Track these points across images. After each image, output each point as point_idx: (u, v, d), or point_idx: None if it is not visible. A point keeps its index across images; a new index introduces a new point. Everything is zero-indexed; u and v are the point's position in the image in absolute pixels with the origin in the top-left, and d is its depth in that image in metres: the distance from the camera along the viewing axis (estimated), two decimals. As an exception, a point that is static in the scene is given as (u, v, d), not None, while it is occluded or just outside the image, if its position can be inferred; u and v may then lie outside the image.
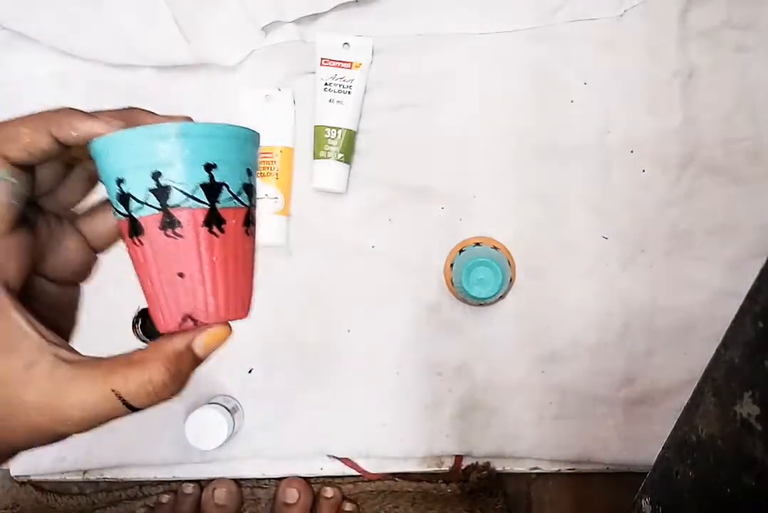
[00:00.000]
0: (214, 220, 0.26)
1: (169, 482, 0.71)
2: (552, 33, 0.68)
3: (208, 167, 0.26)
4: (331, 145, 0.67)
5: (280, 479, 0.70)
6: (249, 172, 0.28)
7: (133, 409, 0.26)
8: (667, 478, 0.41)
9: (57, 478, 0.71)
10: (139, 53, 0.67)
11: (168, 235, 0.26)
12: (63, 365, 0.25)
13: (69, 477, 0.70)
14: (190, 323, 0.27)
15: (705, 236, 0.67)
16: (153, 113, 0.28)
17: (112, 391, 0.25)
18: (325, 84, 0.68)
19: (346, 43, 0.68)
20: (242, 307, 0.28)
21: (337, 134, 0.67)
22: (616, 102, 0.68)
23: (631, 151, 0.68)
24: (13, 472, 0.70)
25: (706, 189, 0.68)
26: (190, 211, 0.26)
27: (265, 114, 0.69)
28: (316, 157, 0.67)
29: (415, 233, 0.69)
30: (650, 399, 0.67)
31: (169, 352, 0.26)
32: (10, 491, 0.71)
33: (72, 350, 0.27)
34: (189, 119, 0.28)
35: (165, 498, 0.70)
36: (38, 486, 0.71)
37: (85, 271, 0.31)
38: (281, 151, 0.68)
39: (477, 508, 0.68)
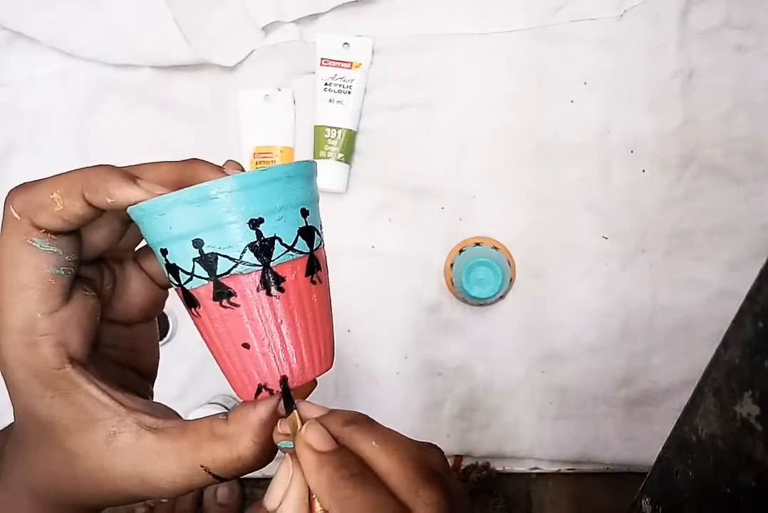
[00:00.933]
0: (270, 281, 0.24)
1: (169, 482, 0.71)
2: (552, 33, 0.68)
3: (253, 223, 0.23)
4: (331, 145, 0.67)
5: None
6: (304, 213, 0.25)
7: (222, 480, 0.25)
8: (667, 478, 0.41)
9: None
10: (139, 53, 0.67)
11: (223, 306, 0.24)
12: (147, 435, 0.24)
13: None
14: (266, 393, 0.25)
15: (705, 236, 0.67)
16: (215, 166, 0.26)
17: (202, 466, 0.24)
18: (325, 84, 0.68)
19: (346, 43, 0.68)
20: (324, 361, 0.26)
21: (337, 134, 0.67)
22: (616, 102, 0.68)
23: (631, 151, 0.68)
24: (13, 472, 0.70)
25: (706, 189, 0.68)
26: (241, 277, 0.23)
27: (265, 114, 0.69)
28: (316, 157, 0.67)
29: (415, 233, 0.69)
30: (650, 399, 0.67)
31: (255, 424, 0.25)
32: (10, 491, 0.71)
33: (155, 414, 0.25)
34: (239, 165, 0.26)
35: (165, 499, 0.70)
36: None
37: (153, 307, 0.29)
38: (281, 151, 0.68)
39: (477, 508, 0.68)
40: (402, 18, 0.69)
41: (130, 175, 0.24)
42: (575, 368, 0.67)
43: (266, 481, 0.72)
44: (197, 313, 0.24)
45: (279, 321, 0.24)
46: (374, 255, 0.69)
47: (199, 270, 0.23)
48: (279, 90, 0.69)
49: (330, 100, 0.67)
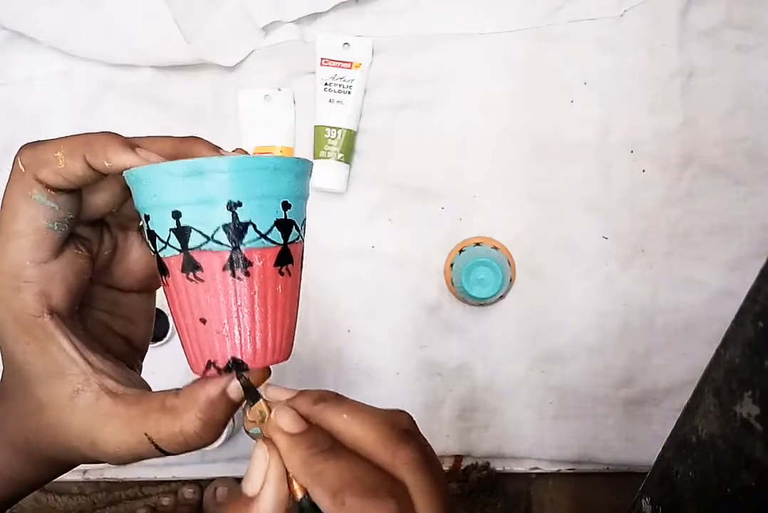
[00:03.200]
0: (237, 263, 0.24)
1: (169, 482, 0.71)
2: (552, 33, 0.68)
3: (231, 206, 0.24)
4: (331, 145, 0.67)
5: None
6: (286, 205, 0.25)
7: (167, 454, 0.26)
8: (667, 478, 0.41)
9: (57, 478, 0.71)
10: (139, 53, 0.67)
11: (189, 279, 0.25)
12: (105, 398, 0.25)
13: (69, 477, 0.70)
14: (214, 371, 0.25)
15: (705, 236, 0.67)
16: (213, 146, 0.27)
17: (146, 435, 0.25)
18: (325, 84, 0.68)
19: (346, 43, 0.68)
20: (278, 352, 0.26)
21: (337, 134, 0.67)
22: (616, 102, 0.68)
23: (631, 151, 0.68)
24: (13, 472, 0.70)
25: (706, 189, 0.68)
26: (210, 254, 0.24)
27: (265, 114, 0.69)
28: (316, 157, 0.67)
29: (415, 233, 0.69)
30: (650, 399, 0.67)
31: (203, 400, 0.25)
32: (10, 491, 0.71)
33: (120, 379, 0.26)
34: (245, 152, 0.27)
35: (166, 500, 0.70)
36: (38, 486, 0.71)
37: (151, 278, 0.30)
38: (281, 151, 0.68)
39: (477, 508, 0.68)
40: (402, 18, 0.69)
41: (130, 143, 0.26)
42: (575, 368, 0.67)
43: (266, 481, 0.72)
44: (167, 282, 0.25)
45: (238, 303, 0.24)
46: (374, 255, 0.69)
47: (174, 240, 0.24)
48: (279, 90, 0.69)
49: (330, 100, 0.67)
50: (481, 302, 0.65)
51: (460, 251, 0.66)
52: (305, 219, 0.27)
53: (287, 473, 0.24)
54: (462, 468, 0.69)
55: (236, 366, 0.25)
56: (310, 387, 0.73)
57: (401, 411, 0.27)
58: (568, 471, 0.69)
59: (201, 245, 0.24)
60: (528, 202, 0.68)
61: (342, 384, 0.68)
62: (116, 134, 0.26)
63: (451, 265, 0.67)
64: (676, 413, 0.41)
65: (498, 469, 0.69)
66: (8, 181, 0.25)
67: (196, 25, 0.66)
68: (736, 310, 0.34)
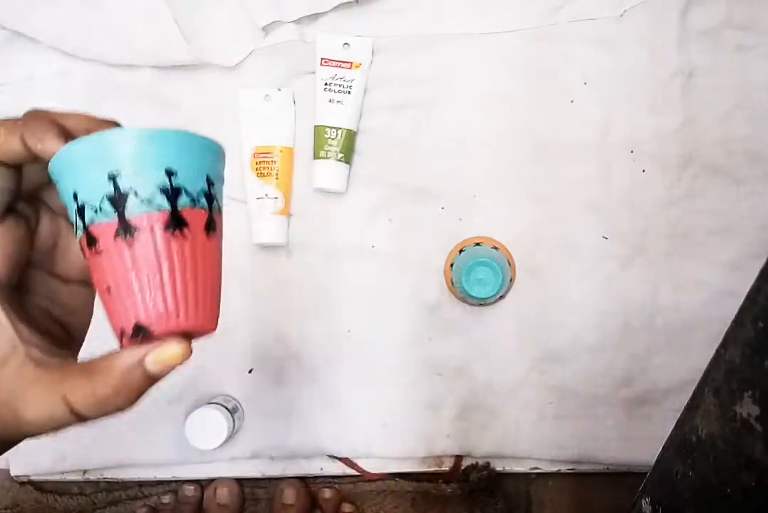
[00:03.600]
0: (121, 231, 0.25)
1: (169, 482, 0.71)
2: (552, 33, 0.68)
3: (110, 176, 0.25)
4: (331, 145, 0.67)
5: (280, 479, 0.70)
6: (209, 181, 0.27)
7: (83, 419, 0.26)
8: (667, 478, 0.41)
9: (57, 478, 0.71)
10: (139, 53, 0.67)
11: (93, 253, 0.26)
12: (29, 365, 0.26)
13: (69, 477, 0.70)
14: (128, 339, 0.26)
15: (705, 236, 0.67)
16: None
17: (63, 397, 0.25)
18: (325, 84, 0.68)
19: (346, 43, 0.68)
20: (206, 317, 0.27)
21: (337, 134, 0.67)
22: (616, 102, 0.68)
23: (631, 151, 0.68)
24: (13, 472, 0.70)
25: (706, 189, 0.68)
26: (101, 226, 0.25)
27: (265, 114, 0.69)
28: (316, 157, 0.67)
29: (415, 233, 0.69)
30: (650, 399, 0.67)
31: (117, 366, 0.26)
32: (10, 491, 0.71)
33: (46, 351, 0.27)
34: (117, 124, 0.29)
35: (166, 499, 0.70)
36: (38, 486, 0.71)
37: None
38: (281, 151, 0.68)
39: (477, 508, 0.68)
40: (402, 18, 0.69)
41: (65, 132, 0.27)
42: (575, 368, 0.67)
43: (266, 481, 0.72)
44: (97, 251, 0.26)
45: (132, 268, 0.25)
46: (374, 255, 0.69)
47: (78, 221, 0.26)
48: (279, 90, 0.69)
49: (330, 100, 0.67)
50: (481, 302, 0.65)
51: (460, 251, 0.66)
52: (207, 190, 0.27)
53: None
54: (462, 468, 0.69)
55: (140, 331, 0.26)
56: (311, 388, 0.73)
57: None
58: (568, 471, 0.69)
59: (93, 219, 0.26)
60: (528, 202, 0.68)
61: (342, 384, 0.68)
62: (54, 122, 0.27)
63: (451, 265, 0.67)
64: (676, 413, 0.41)
65: (498, 469, 0.69)
66: None
67: (196, 25, 0.66)
68: (736, 310, 0.34)
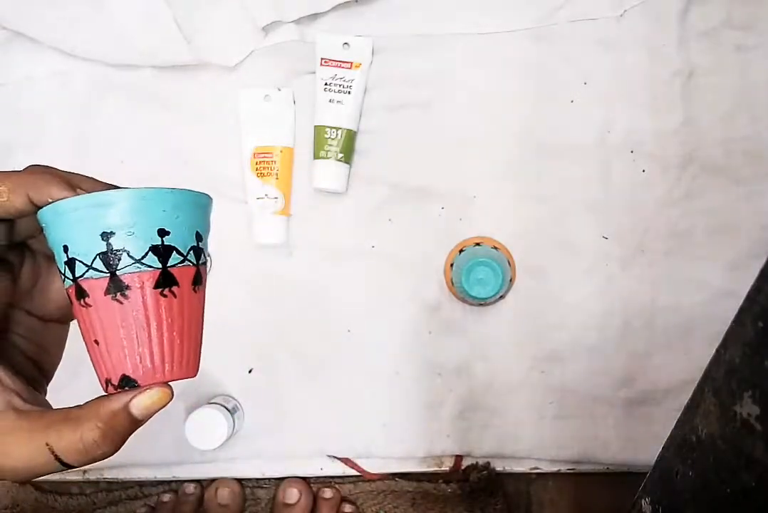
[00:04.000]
0: (113, 288, 0.26)
1: (169, 482, 0.71)
2: (552, 33, 0.68)
3: (104, 236, 0.26)
4: (331, 145, 0.67)
5: (280, 479, 0.70)
6: (198, 236, 0.28)
7: (66, 466, 0.26)
8: (667, 478, 0.41)
9: (57, 478, 0.71)
10: (139, 53, 0.67)
11: (81, 305, 0.27)
12: (10, 414, 0.26)
13: (69, 477, 0.70)
14: (112, 388, 0.27)
15: (705, 236, 0.67)
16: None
17: (47, 445, 0.26)
18: (325, 84, 0.68)
19: (346, 43, 0.68)
20: (190, 367, 0.28)
21: (337, 134, 0.67)
22: (616, 102, 0.68)
23: (631, 151, 0.68)
24: (13, 472, 0.70)
25: (706, 189, 0.68)
26: (92, 281, 0.26)
27: (265, 114, 0.69)
28: (316, 157, 0.67)
29: (415, 233, 0.69)
30: (650, 399, 0.67)
31: (104, 412, 0.26)
32: (10, 491, 0.71)
33: (27, 398, 0.27)
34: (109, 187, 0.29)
35: (166, 497, 0.70)
36: (38, 486, 0.72)
37: (70, 310, 0.31)
38: (281, 151, 0.68)
39: (477, 508, 0.68)
40: (402, 18, 0.69)
41: (70, 182, 0.27)
42: (575, 368, 0.67)
43: (266, 481, 0.72)
44: (86, 303, 0.27)
45: (122, 324, 0.26)
46: (374, 255, 0.69)
47: (68, 272, 0.27)
48: (279, 90, 0.69)
49: (330, 100, 0.67)
50: (481, 302, 0.65)
51: (460, 251, 0.66)
52: (196, 245, 0.28)
53: None
54: (462, 468, 0.69)
55: (127, 383, 0.27)
56: (311, 388, 0.73)
57: None
58: (568, 471, 0.69)
59: (83, 274, 0.26)
60: (528, 202, 0.68)
61: (342, 384, 0.68)
62: (56, 172, 0.27)
63: (451, 265, 0.67)
64: (676, 413, 0.41)
65: (498, 469, 0.69)
66: None
67: (196, 25, 0.66)
68: (736, 310, 0.34)
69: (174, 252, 0.27)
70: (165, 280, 0.27)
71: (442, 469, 0.69)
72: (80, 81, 0.70)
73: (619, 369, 0.67)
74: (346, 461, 0.69)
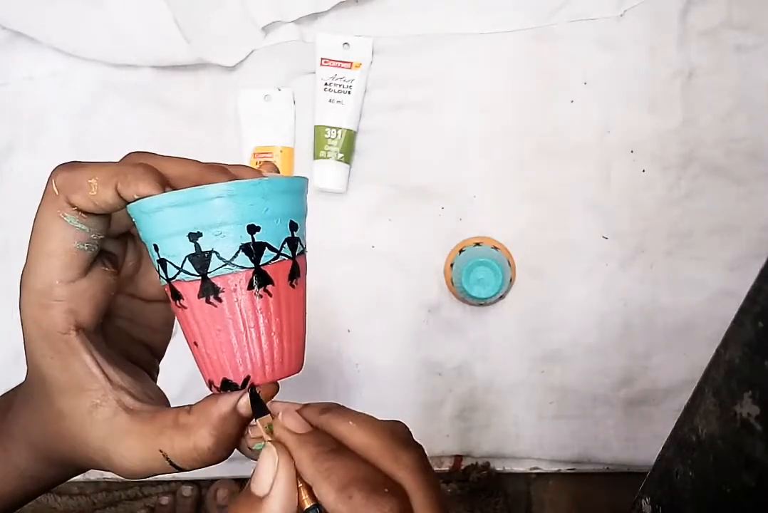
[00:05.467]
0: (209, 291, 0.25)
1: (168, 482, 0.71)
2: (552, 33, 0.68)
3: (192, 237, 0.24)
4: (331, 145, 0.67)
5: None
6: (293, 226, 0.26)
7: (181, 470, 0.26)
8: (667, 478, 0.41)
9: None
10: (139, 53, 0.67)
11: (177, 306, 0.26)
12: (122, 414, 0.26)
13: (69, 477, 0.70)
14: (231, 389, 0.26)
15: (705, 236, 0.67)
16: (254, 170, 0.27)
17: (160, 451, 0.26)
18: (325, 84, 0.68)
19: (346, 43, 0.68)
20: (292, 365, 0.27)
21: (337, 134, 0.67)
22: (616, 102, 0.68)
23: (631, 151, 0.68)
24: (13, 472, 0.70)
25: (706, 189, 0.68)
26: (184, 284, 0.25)
27: (265, 114, 0.68)
28: (316, 157, 0.67)
29: (415, 233, 0.69)
30: (650, 399, 0.67)
31: (215, 418, 0.26)
32: (10, 491, 0.71)
33: (137, 394, 0.27)
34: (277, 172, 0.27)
35: (165, 500, 0.70)
36: (38, 486, 0.71)
37: None
38: (281, 151, 0.68)
39: (477, 508, 0.68)
40: (402, 18, 0.69)
41: (162, 179, 0.25)
42: (575, 368, 0.67)
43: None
44: (182, 305, 0.26)
45: (218, 327, 0.25)
46: (374, 255, 0.69)
47: (161, 272, 0.26)
48: (279, 90, 0.69)
49: (330, 100, 0.67)
50: (481, 302, 0.65)
51: (460, 251, 0.66)
52: (290, 236, 0.26)
53: (297, 482, 0.25)
54: (462, 468, 0.69)
55: (228, 386, 0.26)
56: (310, 387, 0.73)
57: (398, 421, 0.29)
58: (568, 471, 0.69)
59: (175, 276, 0.25)
60: (528, 202, 0.68)
61: (342, 384, 0.68)
62: (151, 168, 0.25)
63: (451, 265, 0.67)
64: (676, 413, 0.41)
65: (498, 469, 0.69)
66: (41, 201, 0.26)
67: (196, 25, 0.66)
68: (736, 310, 0.34)
69: (266, 248, 0.25)
70: (259, 280, 0.25)
71: (442, 469, 0.69)
72: (80, 81, 0.70)
73: (619, 369, 0.67)
74: None
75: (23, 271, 0.26)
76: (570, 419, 0.68)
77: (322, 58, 0.68)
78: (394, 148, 0.69)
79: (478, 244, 0.67)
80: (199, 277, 0.25)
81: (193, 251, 0.24)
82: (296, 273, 0.26)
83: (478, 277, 0.62)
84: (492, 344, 0.68)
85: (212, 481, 0.71)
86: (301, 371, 0.27)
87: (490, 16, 0.69)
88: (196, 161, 0.27)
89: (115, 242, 0.29)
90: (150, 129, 0.70)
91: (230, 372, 0.26)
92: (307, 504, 0.25)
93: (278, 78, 0.69)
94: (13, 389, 0.31)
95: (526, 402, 0.68)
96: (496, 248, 0.66)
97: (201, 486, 0.71)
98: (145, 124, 0.70)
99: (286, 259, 0.26)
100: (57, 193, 0.25)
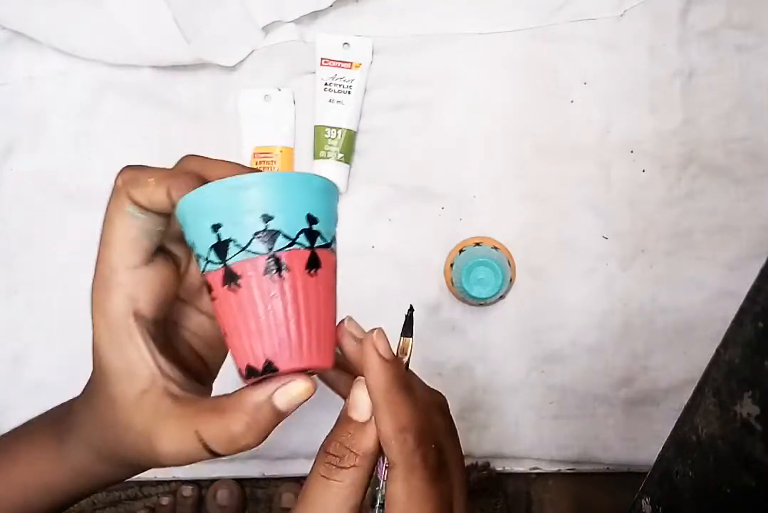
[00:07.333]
0: (272, 266, 0.26)
1: (169, 482, 0.71)
2: (552, 33, 0.68)
3: (214, 227, 0.26)
4: (331, 145, 0.67)
5: (280, 479, 0.70)
6: (311, 219, 0.27)
7: (215, 454, 0.27)
8: (667, 478, 0.41)
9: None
10: (139, 53, 0.67)
11: (230, 289, 0.27)
12: (167, 399, 0.27)
13: (69, 477, 0.70)
14: (252, 378, 0.27)
15: (705, 236, 0.67)
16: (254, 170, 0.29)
17: (195, 432, 0.26)
18: (325, 84, 0.68)
19: (346, 43, 0.68)
20: (317, 355, 0.27)
21: (337, 134, 0.67)
22: (616, 102, 0.68)
23: (631, 151, 0.68)
24: (13, 472, 0.70)
25: (706, 189, 0.68)
26: (210, 274, 0.27)
27: (265, 114, 0.68)
28: (316, 157, 0.67)
29: (415, 233, 0.69)
30: (650, 399, 0.67)
31: (249, 404, 0.27)
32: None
33: (183, 385, 0.28)
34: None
35: (165, 500, 0.70)
36: (38, 486, 0.71)
37: None
38: (281, 151, 0.68)
39: (477, 508, 0.68)
40: (402, 18, 0.69)
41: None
42: (575, 368, 0.67)
43: (266, 481, 0.72)
44: (212, 297, 0.28)
45: (237, 314, 0.27)
46: (374, 255, 0.69)
47: (213, 256, 0.27)
48: (279, 90, 0.69)
49: (330, 100, 0.68)
50: (481, 302, 0.65)
51: (460, 251, 0.66)
52: (308, 227, 0.27)
53: None
54: (462, 468, 0.69)
55: (252, 372, 0.27)
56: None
57: (440, 392, 0.31)
58: (568, 471, 0.69)
59: (205, 267, 0.27)
60: (528, 202, 0.68)
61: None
62: (195, 177, 0.28)
63: (451, 265, 0.67)
64: (676, 413, 0.41)
65: (498, 469, 0.69)
66: (110, 196, 0.28)
67: (196, 25, 0.66)
68: (736, 310, 0.34)
69: (280, 236, 0.26)
70: (273, 265, 0.26)
71: (442, 469, 0.69)
72: (80, 81, 0.70)
73: (619, 369, 0.67)
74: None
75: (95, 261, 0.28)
76: (570, 419, 0.68)
77: (322, 58, 0.68)
78: (394, 148, 0.69)
79: (478, 244, 0.67)
80: (222, 265, 0.26)
81: (216, 241, 0.26)
82: (315, 263, 0.27)
83: (478, 277, 0.62)
84: (492, 344, 0.68)
85: (212, 481, 0.71)
86: (330, 367, 0.29)
87: (490, 16, 0.69)
88: (241, 165, 0.29)
89: (178, 245, 0.31)
90: (150, 129, 0.70)
91: (251, 358, 0.27)
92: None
93: (278, 78, 0.69)
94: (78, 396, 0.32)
95: (526, 402, 0.68)
96: (496, 248, 0.66)
97: (201, 486, 0.71)
98: (145, 124, 0.70)
99: (302, 248, 0.27)
100: (121, 187, 0.28)
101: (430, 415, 0.27)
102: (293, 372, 0.27)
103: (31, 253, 0.69)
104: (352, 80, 0.68)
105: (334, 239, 0.29)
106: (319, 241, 0.28)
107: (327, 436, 0.28)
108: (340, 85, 0.67)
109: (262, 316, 0.26)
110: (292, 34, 0.68)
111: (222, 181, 0.26)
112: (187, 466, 0.74)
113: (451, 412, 0.29)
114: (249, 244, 0.26)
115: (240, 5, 0.67)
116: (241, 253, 0.26)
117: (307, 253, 0.27)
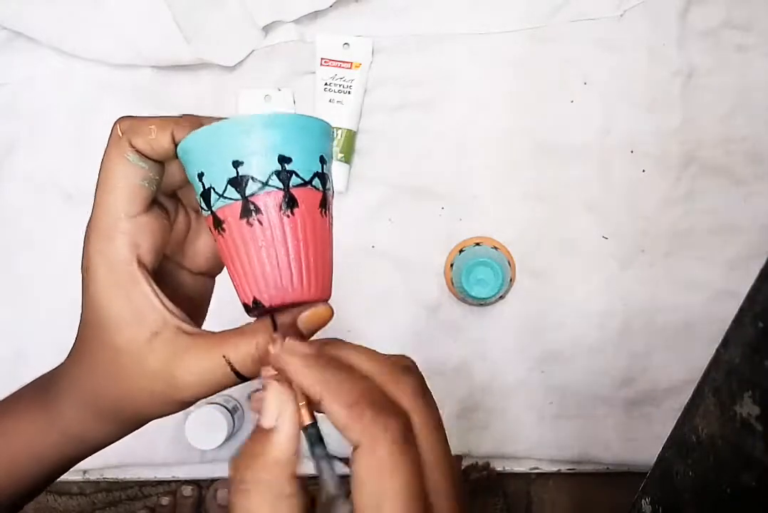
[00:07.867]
0: (288, 202, 0.27)
1: (169, 482, 0.71)
2: (552, 33, 0.68)
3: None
4: (331, 145, 0.67)
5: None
6: (322, 160, 0.28)
7: (241, 377, 0.28)
8: (667, 478, 0.41)
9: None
10: (139, 53, 0.67)
11: (218, 232, 0.28)
12: (183, 336, 0.28)
13: (69, 477, 0.70)
14: (259, 309, 0.28)
15: (705, 236, 0.67)
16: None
17: (223, 357, 0.27)
18: (325, 84, 0.68)
19: (346, 43, 0.68)
20: (321, 288, 0.29)
21: (337, 134, 0.67)
22: (616, 102, 0.68)
23: (631, 151, 0.68)
24: (13, 472, 0.70)
25: (706, 189, 0.68)
26: (226, 208, 0.27)
27: (265, 114, 0.68)
28: (316, 157, 0.67)
29: (415, 233, 0.69)
30: (650, 399, 0.67)
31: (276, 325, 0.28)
32: (10, 491, 0.71)
33: (192, 324, 0.29)
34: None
35: (165, 500, 0.70)
36: (38, 486, 0.71)
37: (218, 264, 0.33)
38: (281, 151, 0.68)
39: (477, 508, 0.68)
40: (402, 18, 0.69)
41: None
42: (575, 368, 0.67)
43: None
44: (222, 230, 0.28)
45: (257, 246, 0.27)
46: (374, 255, 0.69)
47: (203, 202, 0.28)
48: (279, 90, 0.69)
49: (330, 100, 0.67)
50: (481, 302, 0.65)
51: (460, 251, 0.66)
52: (320, 169, 0.29)
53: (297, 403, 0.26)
54: (462, 468, 0.69)
55: (257, 305, 0.28)
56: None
57: (403, 355, 0.30)
58: (568, 471, 0.69)
59: (216, 200, 0.27)
60: (528, 202, 0.68)
61: (342, 384, 0.68)
62: (199, 117, 0.28)
63: (451, 265, 0.67)
64: (676, 413, 0.41)
65: (498, 469, 0.69)
66: (107, 145, 0.29)
67: (196, 25, 0.66)
68: (736, 310, 0.34)
69: (295, 175, 0.28)
70: (289, 202, 0.27)
71: (442, 469, 0.69)
72: (80, 81, 0.70)
73: (619, 369, 0.67)
74: (346, 461, 0.69)
75: (91, 210, 0.28)
76: (570, 419, 0.68)
77: (322, 58, 0.68)
78: (394, 148, 0.69)
79: (478, 244, 0.67)
80: (239, 199, 0.27)
81: (234, 175, 0.27)
82: (326, 205, 0.29)
83: (478, 277, 0.62)
84: (492, 344, 0.68)
85: (212, 481, 0.71)
86: (330, 298, 0.30)
87: (490, 16, 0.69)
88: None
89: (167, 200, 0.31)
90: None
91: (262, 290, 0.28)
92: (307, 419, 0.26)
93: (278, 78, 0.69)
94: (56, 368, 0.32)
95: (526, 402, 0.68)
96: (496, 248, 0.66)
97: (201, 486, 0.71)
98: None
99: (316, 190, 0.28)
100: (121, 135, 0.28)
101: (395, 376, 0.27)
102: (304, 303, 0.28)
103: (31, 253, 0.69)
104: (352, 80, 0.68)
105: (333, 185, 0.30)
106: (327, 185, 0.29)
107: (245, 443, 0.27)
108: (340, 85, 0.67)
109: (279, 249, 0.27)
110: (292, 34, 0.68)
111: (242, 118, 0.27)
112: (187, 466, 0.74)
113: (416, 367, 0.29)
114: (269, 180, 0.27)
115: (240, 5, 0.67)
116: (260, 188, 0.27)
117: (321, 194, 0.28)
